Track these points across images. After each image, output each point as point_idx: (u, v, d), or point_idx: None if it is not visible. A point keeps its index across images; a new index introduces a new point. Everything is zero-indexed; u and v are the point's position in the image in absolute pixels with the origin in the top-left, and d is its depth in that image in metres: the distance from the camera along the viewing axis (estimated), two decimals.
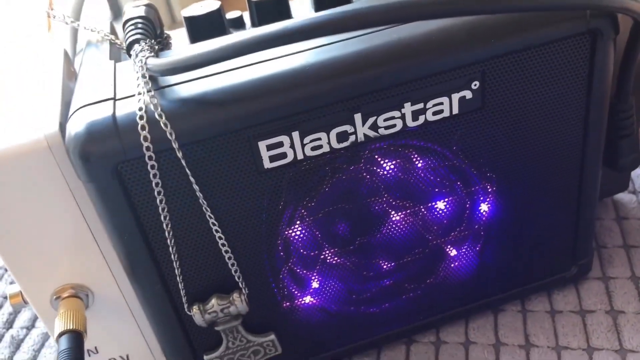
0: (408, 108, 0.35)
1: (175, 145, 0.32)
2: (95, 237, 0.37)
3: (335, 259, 0.41)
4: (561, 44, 0.36)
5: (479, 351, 0.45)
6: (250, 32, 0.30)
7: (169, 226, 0.35)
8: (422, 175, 0.39)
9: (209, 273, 0.37)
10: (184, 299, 0.38)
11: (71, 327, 0.35)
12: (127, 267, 0.37)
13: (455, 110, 0.36)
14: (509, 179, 0.40)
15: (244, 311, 0.39)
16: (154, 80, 0.34)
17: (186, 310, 0.38)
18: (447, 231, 0.42)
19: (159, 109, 0.32)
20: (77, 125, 0.32)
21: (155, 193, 0.33)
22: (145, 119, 0.31)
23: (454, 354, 0.46)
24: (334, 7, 0.31)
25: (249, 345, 0.41)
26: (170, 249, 0.35)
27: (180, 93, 0.33)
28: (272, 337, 0.41)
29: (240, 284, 0.38)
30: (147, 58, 0.33)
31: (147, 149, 0.32)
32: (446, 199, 0.41)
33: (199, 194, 0.34)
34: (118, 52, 0.41)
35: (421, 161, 0.39)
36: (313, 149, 0.35)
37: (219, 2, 0.40)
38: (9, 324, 0.56)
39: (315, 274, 0.41)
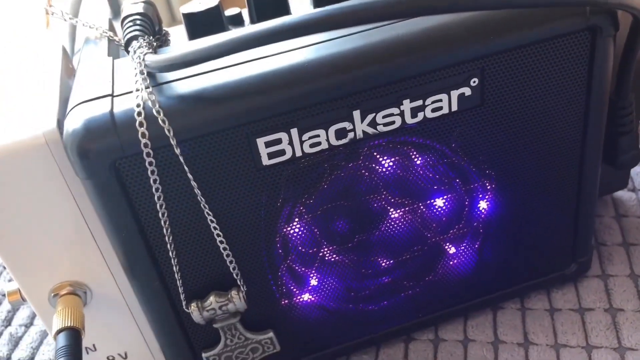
0: (407, 105, 0.35)
1: (173, 142, 0.32)
2: (94, 234, 0.37)
3: (334, 256, 0.41)
4: (561, 41, 0.35)
5: (477, 349, 0.45)
6: (248, 29, 0.30)
7: (167, 223, 0.35)
8: (421, 172, 0.39)
9: (207, 270, 0.37)
10: (182, 296, 0.38)
11: (69, 325, 0.35)
12: (125, 264, 0.37)
13: (454, 107, 0.36)
14: (508, 176, 0.40)
15: (242, 309, 0.39)
16: (152, 76, 0.34)
17: (184, 307, 0.38)
18: (446, 229, 0.42)
19: (157, 106, 0.31)
20: (74, 122, 0.32)
21: (154, 190, 0.33)
22: (143, 116, 0.31)
23: (453, 352, 0.46)
24: (333, 4, 0.31)
25: (247, 343, 0.41)
26: (169, 246, 0.35)
27: (179, 89, 0.33)
28: (271, 334, 0.41)
29: (238, 282, 0.38)
30: (145, 55, 0.33)
31: (145, 145, 0.32)
32: (445, 197, 0.41)
33: (197, 190, 0.34)
34: (116, 49, 0.41)
35: (420, 158, 0.38)
36: (311, 145, 0.35)
37: None
38: (8, 322, 0.56)
39: (313, 271, 0.41)
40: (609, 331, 0.45)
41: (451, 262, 0.44)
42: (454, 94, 0.35)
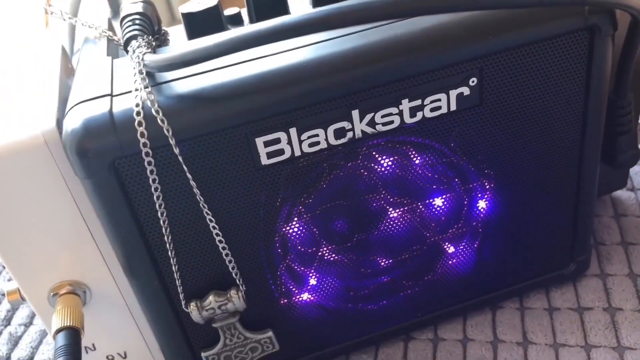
0: (406, 104, 0.35)
1: (172, 142, 0.32)
2: (93, 234, 0.37)
3: (333, 255, 0.41)
4: (559, 41, 0.35)
5: (476, 348, 0.45)
6: (247, 28, 0.30)
7: (166, 223, 0.35)
8: (420, 172, 0.39)
9: (206, 270, 0.37)
10: (181, 296, 0.38)
11: (68, 324, 0.35)
12: (124, 264, 0.37)
13: (453, 107, 0.36)
14: (507, 176, 0.40)
15: (242, 308, 0.39)
16: (151, 76, 0.34)
17: (183, 307, 0.38)
18: (444, 228, 0.42)
19: (156, 105, 0.31)
20: (74, 122, 0.32)
21: (153, 189, 0.33)
22: (142, 115, 0.31)
23: (452, 351, 0.46)
24: (332, 4, 0.31)
25: (247, 342, 0.41)
26: (168, 245, 0.35)
27: (178, 89, 0.33)
28: (270, 334, 0.41)
29: (237, 281, 0.38)
30: (144, 54, 0.33)
31: (144, 145, 0.32)
32: (444, 196, 0.41)
33: (196, 190, 0.34)
34: (116, 49, 0.41)
35: (419, 158, 0.39)
36: (310, 145, 0.35)
37: None
38: (7, 321, 0.56)
39: (312, 270, 0.41)
40: (608, 330, 0.45)
41: (450, 262, 0.44)
42: (453, 93, 0.35)
